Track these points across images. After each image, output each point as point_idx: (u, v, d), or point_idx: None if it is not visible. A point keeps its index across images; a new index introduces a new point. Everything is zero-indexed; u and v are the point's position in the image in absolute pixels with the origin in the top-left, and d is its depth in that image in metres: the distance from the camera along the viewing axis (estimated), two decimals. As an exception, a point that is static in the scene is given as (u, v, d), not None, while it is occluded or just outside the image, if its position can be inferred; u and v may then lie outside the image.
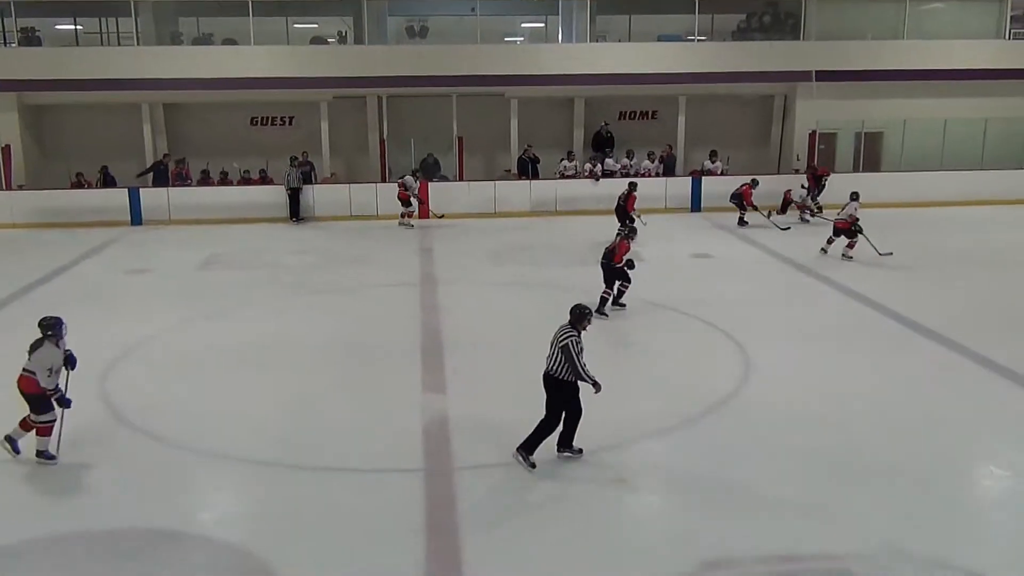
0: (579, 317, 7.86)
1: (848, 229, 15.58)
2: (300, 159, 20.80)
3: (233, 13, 21.78)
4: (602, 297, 12.36)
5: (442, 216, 19.43)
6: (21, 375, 7.78)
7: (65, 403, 7.81)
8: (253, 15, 21.33)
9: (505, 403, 9.13)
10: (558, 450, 7.81)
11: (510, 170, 22.55)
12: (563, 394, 7.62)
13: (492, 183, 21.46)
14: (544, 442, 7.66)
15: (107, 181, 21.01)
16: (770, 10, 23.54)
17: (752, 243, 17.48)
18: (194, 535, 6.70)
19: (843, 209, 15.98)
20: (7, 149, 20.88)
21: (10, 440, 7.89)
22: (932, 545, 6.38)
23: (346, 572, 6.18)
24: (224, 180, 21.45)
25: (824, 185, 20.30)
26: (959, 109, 22.69)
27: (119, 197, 20.26)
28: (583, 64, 21.80)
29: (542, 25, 24.43)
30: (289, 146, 21.65)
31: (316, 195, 20.70)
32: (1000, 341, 10.65)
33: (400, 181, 19.81)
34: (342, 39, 23.33)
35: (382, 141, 22.32)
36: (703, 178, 21.48)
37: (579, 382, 7.63)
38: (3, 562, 6.30)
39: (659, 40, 23.04)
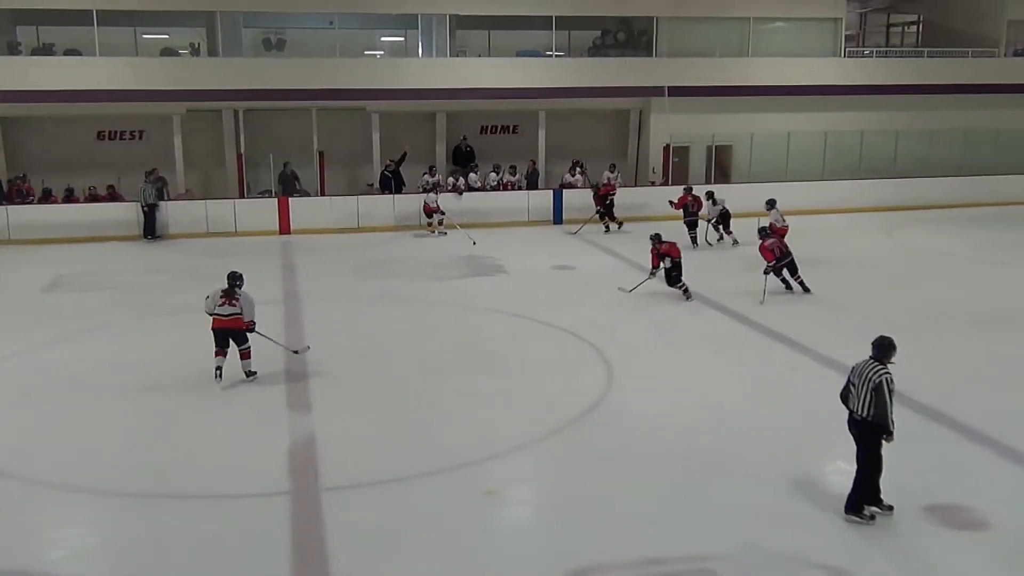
0: (886, 350, 6.73)
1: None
2: (153, 174, 20.02)
3: (76, 23, 20.78)
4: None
5: None
6: (228, 318, 9.86)
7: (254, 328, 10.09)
8: (98, 25, 20.45)
9: (372, 420, 9.07)
10: (850, 513, 6.85)
11: (372, 184, 22.37)
12: (872, 440, 6.73)
13: (355, 198, 21.23)
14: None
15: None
16: (624, 27, 24.28)
17: (613, 254, 17.90)
18: (42, 571, 6.33)
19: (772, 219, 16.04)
20: None
21: (249, 373, 10.14)
22: (794, 543, 6.67)
23: (210, 602, 5.98)
24: (70, 197, 20.40)
25: (610, 203, 20.40)
26: (801, 123, 24.01)
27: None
28: (443, 79, 21.90)
29: (402, 39, 24.40)
30: (140, 161, 20.80)
31: (171, 212, 19.96)
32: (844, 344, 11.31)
33: (426, 202, 19.97)
34: (195, 51, 22.65)
35: (239, 156, 21.75)
36: (564, 191, 21.90)
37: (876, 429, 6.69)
38: None
39: (518, 56, 23.40)
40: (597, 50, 24.41)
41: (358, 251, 18.31)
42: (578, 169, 22.46)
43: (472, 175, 22.21)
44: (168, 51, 22.65)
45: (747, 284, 14.44)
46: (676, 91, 22.99)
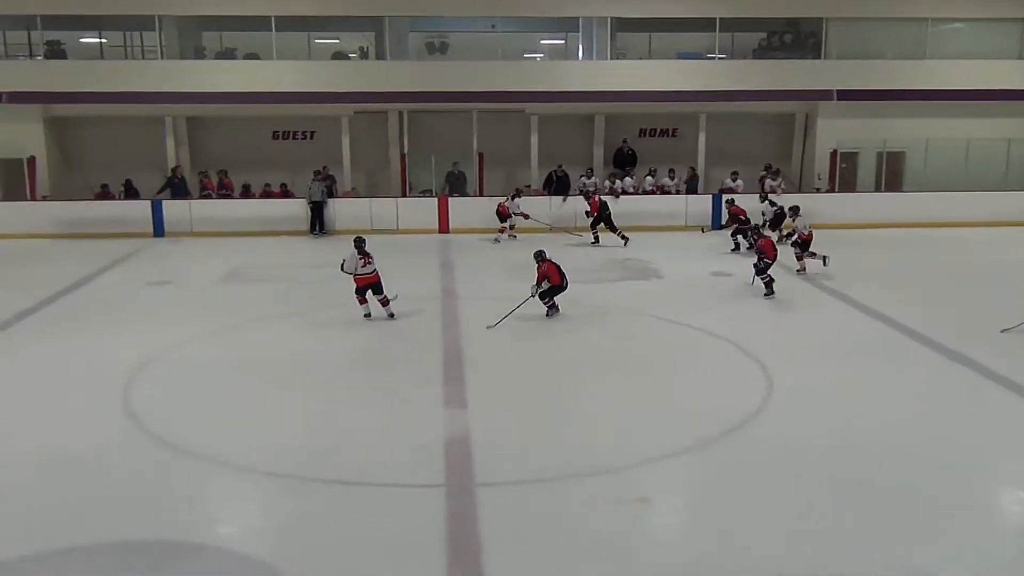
0: None
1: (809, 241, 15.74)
2: (322, 173, 20.95)
3: (256, 28, 21.96)
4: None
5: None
6: (371, 274, 12.66)
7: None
8: (276, 30, 21.51)
9: (526, 419, 9.13)
10: None
11: (530, 186, 22.57)
12: None
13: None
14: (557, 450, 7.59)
15: (130, 193, 21.20)
16: (791, 29, 23.54)
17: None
18: (215, 547, 6.68)
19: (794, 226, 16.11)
20: (32, 161, 21.10)
21: (391, 315, 12.73)
22: (958, 573, 6.29)
23: (367, 588, 6.15)
24: (246, 193, 21.58)
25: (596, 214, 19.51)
26: (982, 129, 22.59)
27: (142, 209, 20.43)
28: (603, 81, 21.86)
29: (562, 42, 24.52)
30: (310, 160, 21.81)
31: (337, 209, 20.80)
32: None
33: (503, 204, 20.01)
34: (363, 55, 23.48)
35: (403, 156, 22.42)
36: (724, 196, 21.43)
37: None
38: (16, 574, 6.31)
39: (679, 58, 23.07)
40: (762, 52, 23.76)
41: (513, 251, 18.50)
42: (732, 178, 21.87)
43: (628, 179, 22.06)
44: (339, 55, 23.60)
45: (907, 293, 13.71)
46: (845, 95, 22.13)
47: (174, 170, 21.42)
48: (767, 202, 19.01)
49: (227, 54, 22.95)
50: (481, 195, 21.70)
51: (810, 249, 15.78)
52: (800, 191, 22.54)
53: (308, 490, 7.59)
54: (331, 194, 20.97)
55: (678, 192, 22.01)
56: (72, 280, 15.70)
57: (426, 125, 22.91)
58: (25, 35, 22.17)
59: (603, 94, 21.88)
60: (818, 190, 22.38)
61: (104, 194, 21.20)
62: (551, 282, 13.10)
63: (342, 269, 12.86)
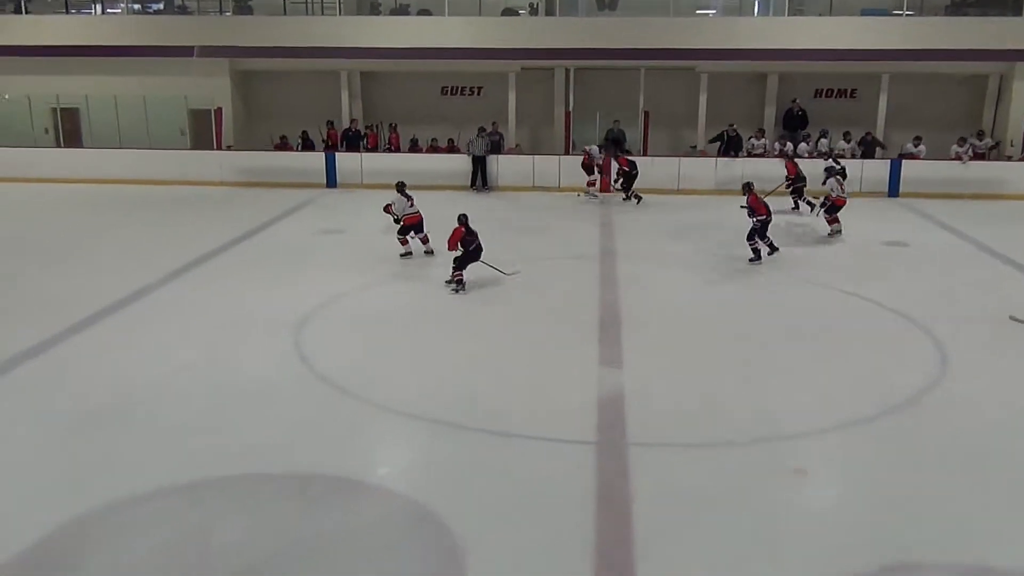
0: None
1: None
2: (490, 129, 21.23)
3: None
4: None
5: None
6: (417, 214, 14.06)
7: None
8: (449, -15, 21.79)
9: (682, 382, 9.03)
10: None
11: (695, 146, 22.07)
12: None
13: (676, 159, 21.09)
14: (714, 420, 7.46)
15: (306, 144, 22.13)
16: (989, -18, 21.87)
17: (953, 231, 16.39)
18: (373, 486, 6.98)
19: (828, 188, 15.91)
20: (219, 112, 22.33)
21: (428, 252, 14.16)
22: None
23: (516, 535, 6.27)
24: (413, 147, 22.12)
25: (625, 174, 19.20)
26: None
27: (317, 160, 21.29)
28: (779, 38, 20.99)
29: (737, -2, 23.70)
30: (476, 116, 22.08)
31: (500, 165, 21.02)
32: None
33: (585, 149, 19.86)
34: (533, 11, 23.45)
35: (567, 114, 22.36)
36: (903, 162, 20.29)
37: None
38: (195, 497, 6.79)
39: (863, 14, 21.85)
40: (955, 8, 22.18)
41: (676, 213, 18.21)
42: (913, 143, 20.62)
43: (803, 144, 21.17)
44: (509, 11, 23.66)
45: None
46: (1046, 55, 20.40)
47: (352, 123, 22.23)
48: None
49: (401, 10, 23.44)
50: (646, 155, 21.40)
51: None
52: (988, 158, 21.06)
53: (463, 437, 7.79)
54: (497, 150, 21.20)
55: (853, 156, 20.98)
56: (252, 226, 16.60)
57: (592, 82, 22.73)
58: (215, -9, 23.40)
59: (779, 52, 21.00)
60: (1009, 158, 20.83)
61: (282, 145, 22.22)
62: (757, 214, 13.71)
63: (390, 211, 14.17)
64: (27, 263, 13.79)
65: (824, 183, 16.20)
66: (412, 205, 14.06)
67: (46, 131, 23.19)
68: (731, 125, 21.32)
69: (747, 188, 14.02)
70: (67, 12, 24.08)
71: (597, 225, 17.15)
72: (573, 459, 7.36)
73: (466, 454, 7.49)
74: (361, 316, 11.33)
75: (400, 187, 14.19)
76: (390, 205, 14.14)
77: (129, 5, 23.37)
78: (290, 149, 22.07)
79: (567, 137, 22.32)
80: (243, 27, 22.57)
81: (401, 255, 14.16)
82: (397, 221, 14.16)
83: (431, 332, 10.69)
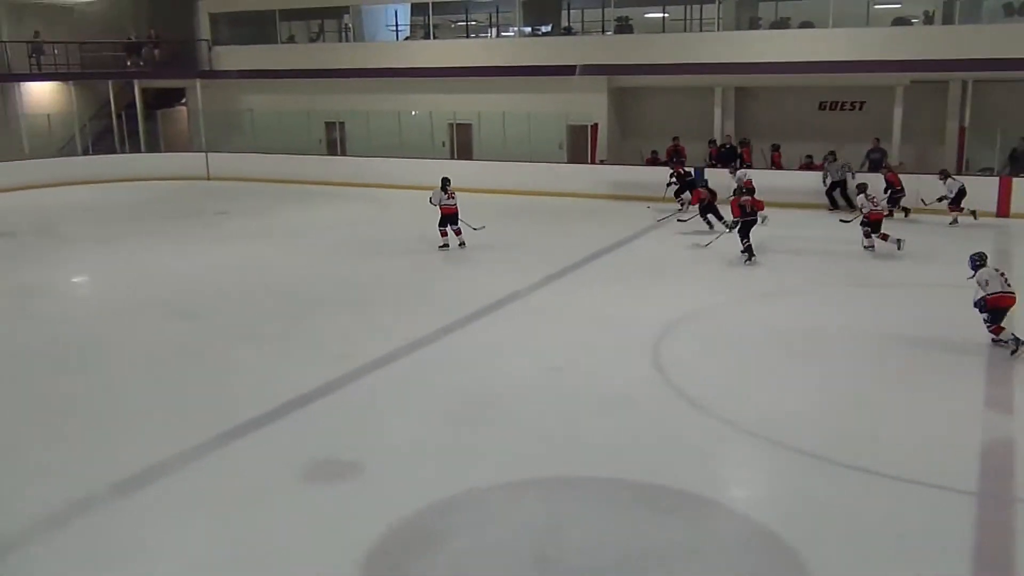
0: None
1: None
2: (871, 145, 20.11)
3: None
4: None
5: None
6: (454, 205, 15.71)
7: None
8: (834, -3, 20.87)
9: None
10: None
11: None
12: None
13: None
14: None
15: (675, 159, 22.31)
16: None
17: None
18: (727, 507, 6.86)
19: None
20: (595, 127, 23.26)
21: (462, 244, 15.98)
22: None
23: (878, 582, 5.85)
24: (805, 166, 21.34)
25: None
26: None
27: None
28: None
29: None
30: (856, 132, 20.95)
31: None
32: None
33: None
34: (928, 19, 21.73)
35: (962, 130, 20.45)
36: None
37: None
38: (551, 493, 7.08)
39: None
40: None
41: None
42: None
43: None
44: (900, 20, 22.15)
45: None
46: None
47: (727, 138, 22.13)
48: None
49: (781, 23, 22.86)
50: (1057, 177, 18.95)
51: (882, 231, 15.20)
52: None
53: (826, 470, 7.41)
54: (876, 168, 19.93)
55: None
56: (620, 238, 17.10)
57: (993, 96, 20.56)
58: (599, 12, 24.37)
59: None
60: None
61: (653, 159, 22.60)
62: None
63: (431, 202, 15.83)
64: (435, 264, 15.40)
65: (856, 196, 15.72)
66: (451, 198, 15.67)
67: (443, 144, 25.59)
68: None
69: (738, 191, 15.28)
70: (467, 37, 26.50)
71: (993, 253, 15.45)
72: (948, 507, 6.72)
73: (828, 487, 7.12)
74: (721, 334, 11.22)
75: (444, 181, 15.81)
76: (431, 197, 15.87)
77: (520, 28, 25.10)
78: (659, 164, 22.39)
79: (960, 156, 20.42)
80: (623, 45, 23.33)
81: (439, 246, 15.92)
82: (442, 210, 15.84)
83: (797, 356, 10.31)
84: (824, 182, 19.89)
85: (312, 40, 29.00)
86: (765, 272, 14.44)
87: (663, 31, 24.50)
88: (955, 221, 17.91)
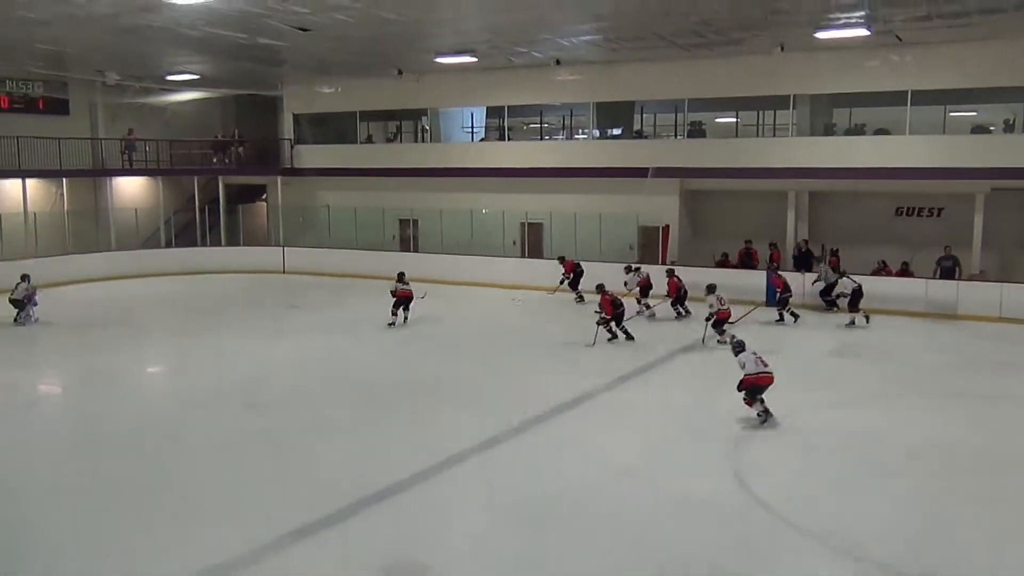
0: None
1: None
2: (942, 253, 19.74)
3: (889, 103, 21.55)
4: None
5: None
6: (405, 290, 18.27)
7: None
8: (911, 104, 20.82)
9: None
10: None
11: None
12: None
13: None
14: None
15: (746, 262, 22.17)
16: None
17: None
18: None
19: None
20: (667, 228, 23.31)
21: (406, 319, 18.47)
22: None
23: None
24: (878, 271, 21.03)
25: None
26: None
27: (757, 277, 21.19)
28: None
29: None
30: (934, 237, 20.64)
31: (960, 292, 19.25)
32: None
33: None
34: (1008, 127, 21.51)
35: (1047, 237, 19.98)
36: None
37: None
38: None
39: None
40: None
41: None
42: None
43: None
44: (979, 128, 21.98)
45: None
46: None
47: (803, 242, 21.99)
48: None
49: (856, 130, 22.86)
50: None
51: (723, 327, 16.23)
52: None
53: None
54: (950, 275, 19.55)
55: None
56: (693, 338, 16.91)
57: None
58: (672, 117, 24.71)
59: None
60: None
61: (723, 262, 22.48)
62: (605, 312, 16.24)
63: (391, 293, 18.22)
64: (506, 361, 15.40)
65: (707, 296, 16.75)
66: (405, 284, 18.32)
67: (513, 243, 25.87)
68: None
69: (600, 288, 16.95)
70: (541, 139, 27.05)
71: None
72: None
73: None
74: (799, 439, 10.97)
75: (400, 275, 18.48)
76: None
77: (593, 131, 25.54)
78: (730, 266, 22.25)
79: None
80: (695, 149, 23.52)
81: (388, 324, 18.01)
82: (393, 294, 18.14)
83: (876, 465, 9.99)
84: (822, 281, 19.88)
85: (389, 140, 29.90)
86: (842, 375, 14.10)
87: (736, 135, 24.66)
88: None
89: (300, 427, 11.55)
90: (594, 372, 14.16)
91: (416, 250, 26.91)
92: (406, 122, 29.69)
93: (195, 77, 26.46)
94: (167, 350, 17.04)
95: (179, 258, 27.39)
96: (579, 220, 24.09)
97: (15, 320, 18.87)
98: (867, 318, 18.19)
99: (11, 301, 19.03)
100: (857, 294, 18.37)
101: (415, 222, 27.38)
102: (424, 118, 28.31)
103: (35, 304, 19.22)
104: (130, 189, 29.21)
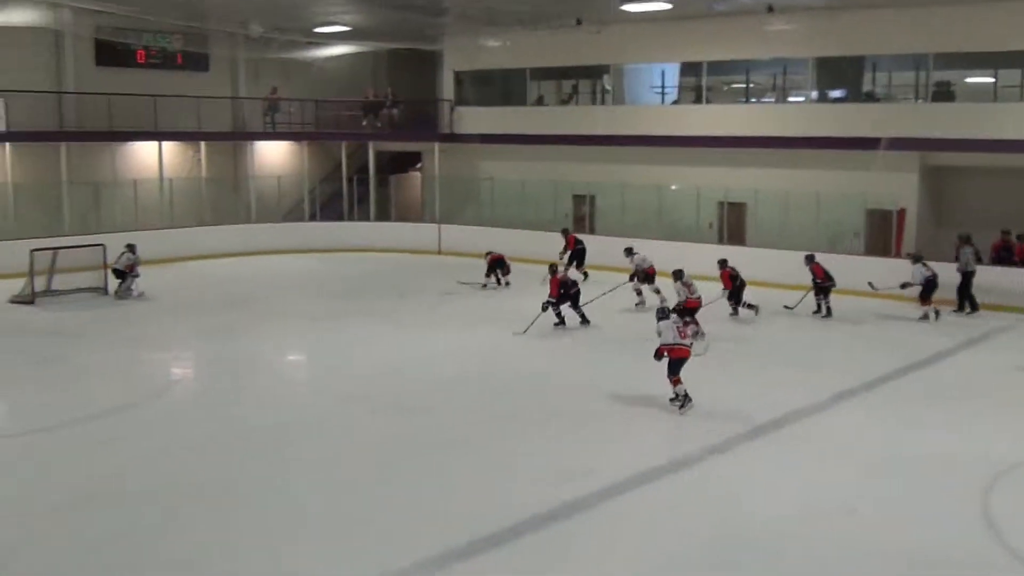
0: None
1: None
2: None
3: None
4: None
5: None
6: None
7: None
8: None
9: None
10: None
11: None
12: None
13: None
14: None
15: (1004, 256, 20.87)
16: None
17: None
18: None
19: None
20: (902, 213, 22.31)
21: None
22: None
23: None
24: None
25: None
26: None
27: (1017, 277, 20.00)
28: None
29: None
30: None
31: None
32: None
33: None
34: None
35: None
36: None
37: None
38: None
39: None
40: None
41: None
42: None
43: None
44: None
45: None
46: None
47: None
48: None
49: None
50: None
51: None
52: None
53: None
54: None
55: None
56: (931, 352, 16.22)
57: None
58: (911, 76, 23.58)
59: None
60: None
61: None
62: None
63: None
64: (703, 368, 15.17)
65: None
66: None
67: (710, 226, 25.36)
68: None
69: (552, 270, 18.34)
70: (747, 102, 26.43)
71: None
72: None
73: None
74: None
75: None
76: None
77: (811, 93, 24.70)
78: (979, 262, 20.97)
79: None
80: (942, 115, 22.37)
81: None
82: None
83: None
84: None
85: (564, 102, 29.98)
86: None
87: (994, 99, 23.27)
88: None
89: (448, 437, 11.76)
90: (818, 388, 13.76)
91: (592, 231, 26.86)
92: (584, 81, 29.70)
93: (346, 29, 27.37)
94: (304, 337, 17.82)
95: (324, 233, 28.54)
96: (791, 201, 23.39)
97: (116, 293, 20.50)
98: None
99: (113, 271, 20.72)
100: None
101: (592, 198, 27.38)
102: (605, 77, 28.25)
103: (137, 275, 20.74)
104: (272, 155, 30.62)
